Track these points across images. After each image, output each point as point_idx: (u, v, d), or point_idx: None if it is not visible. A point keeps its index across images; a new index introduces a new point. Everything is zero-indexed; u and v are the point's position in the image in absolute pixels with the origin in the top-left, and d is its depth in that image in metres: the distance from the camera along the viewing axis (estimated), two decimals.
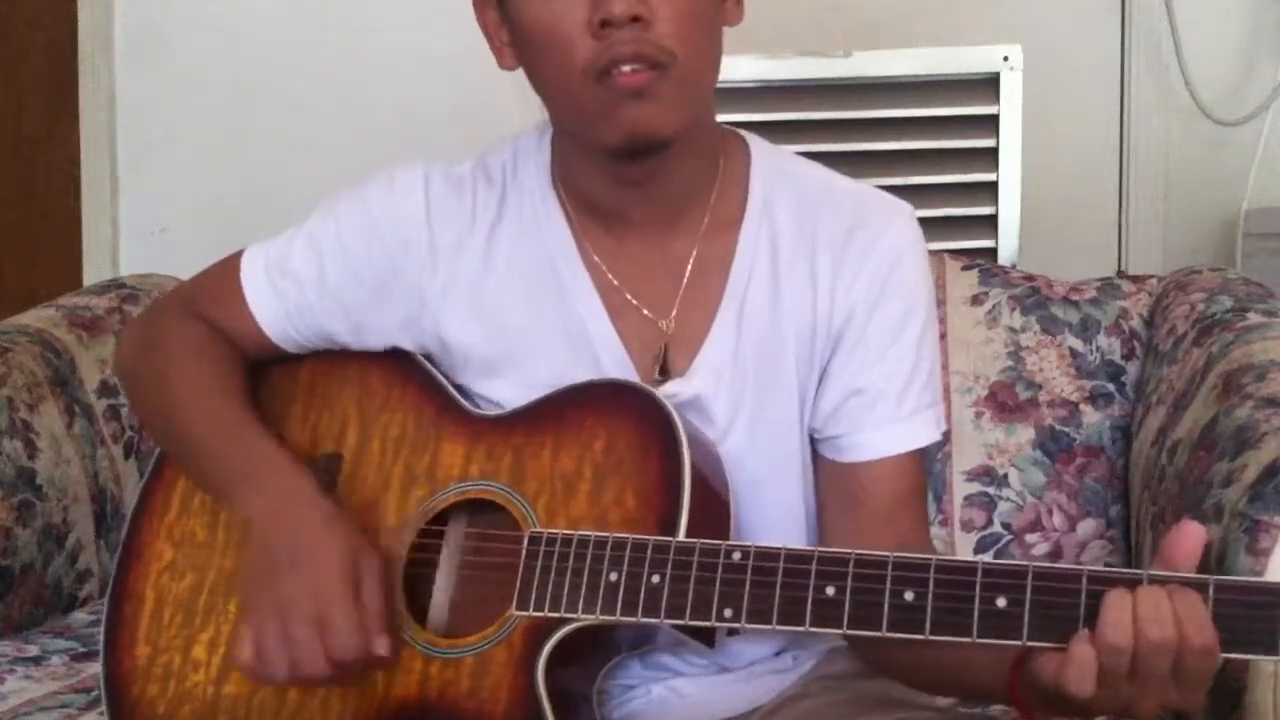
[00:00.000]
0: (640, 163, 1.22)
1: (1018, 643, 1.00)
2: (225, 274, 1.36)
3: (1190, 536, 1.00)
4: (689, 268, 1.28)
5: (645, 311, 1.28)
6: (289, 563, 1.17)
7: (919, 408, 1.27)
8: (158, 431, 1.38)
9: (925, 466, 1.31)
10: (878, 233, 1.27)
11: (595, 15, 1.15)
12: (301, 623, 1.14)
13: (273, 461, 1.25)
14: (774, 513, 1.28)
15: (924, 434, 1.28)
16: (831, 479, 1.29)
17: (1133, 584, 0.99)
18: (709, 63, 1.22)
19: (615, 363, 1.27)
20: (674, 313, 1.28)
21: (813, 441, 1.30)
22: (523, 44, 1.22)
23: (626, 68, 1.15)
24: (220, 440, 1.27)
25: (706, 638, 1.18)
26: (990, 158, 2.17)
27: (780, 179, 1.31)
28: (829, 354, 1.27)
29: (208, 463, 1.28)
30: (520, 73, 1.26)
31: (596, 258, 1.28)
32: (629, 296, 1.28)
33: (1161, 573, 0.99)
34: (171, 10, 2.62)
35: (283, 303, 1.33)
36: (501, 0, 1.23)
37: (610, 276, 1.28)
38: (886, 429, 1.26)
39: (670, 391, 1.23)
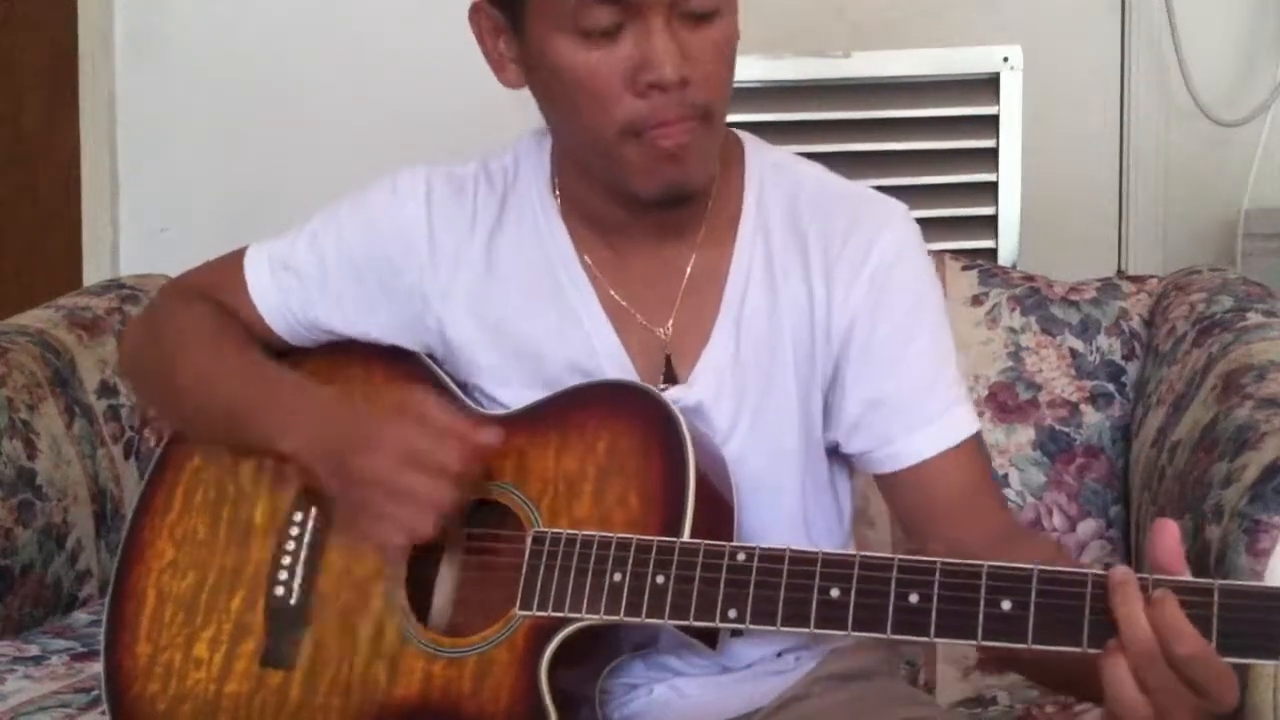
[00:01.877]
0: (672, 208, 1.22)
1: (1022, 645, 1.00)
2: (229, 268, 1.37)
3: (1166, 534, 0.99)
4: (686, 276, 1.28)
5: (643, 321, 1.28)
6: (359, 449, 1.16)
7: (951, 402, 1.26)
8: (173, 408, 1.37)
9: (981, 454, 1.28)
10: (874, 234, 1.27)
11: (642, 76, 1.13)
12: (405, 474, 1.13)
13: (298, 387, 1.26)
14: (774, 516, 1.28)
15: (962, 426, 1.26)
16: (893, 492, 1.29)
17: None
18: (729, 99, 1.22)
19: (619, 371, 1.27)
20: (671, 321, 1.28)
21: (854, 458, 1.30)
22: (546, 79, 1.19)
23: (668, 128, 1.15)
24: (242, 387, 1.27)
25: (709, 639, 1.18)
26: (990, 158, 2.17)
27: (774, 181, 1.30)
28: (835, 358, 1.27)
29: (242, 415, 1.27)
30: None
31: (595, 266, 1.29)
32: (626, 305, 1.28)
33: (1167, 578, 0.98)
34: (171, 10, 2.61)
35: (285, 297, 1.34)
36: (512, 19, 1.20)
37: (608, 285, 1.28)
38: (921, 431, 1.25)
39: (672, 398, 1.23)
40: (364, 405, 1.22)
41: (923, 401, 1.25)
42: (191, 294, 1.38)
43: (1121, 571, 0.99)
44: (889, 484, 1.28)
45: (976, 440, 1.27)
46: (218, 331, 1.33)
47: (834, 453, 1.32)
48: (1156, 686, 0.96)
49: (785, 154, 1.35)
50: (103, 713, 1.30)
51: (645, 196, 1.19)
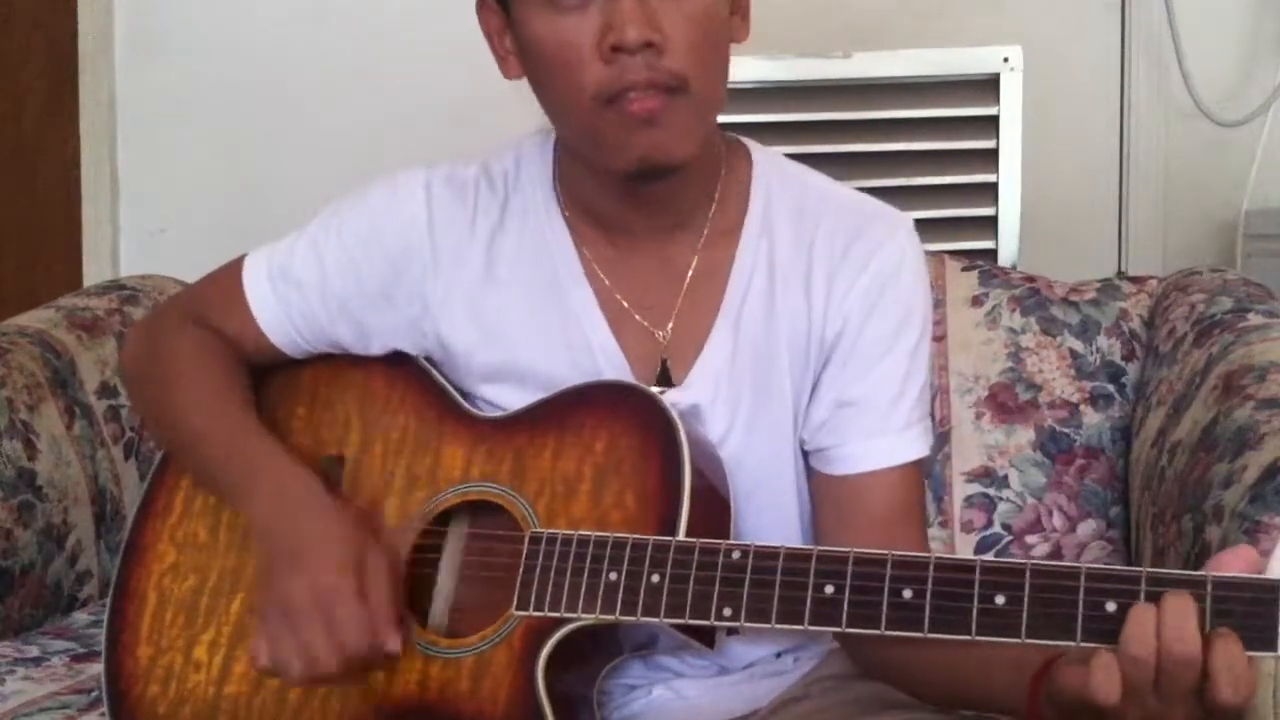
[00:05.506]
0: (652, 185, 1.22)
1: (1016, 640, 1.00)
2: (228, 281, 1.36)
3: (1243, 562, 0.98)
4: (688, 278, 1.28)
5: (643, 322, 1.28)
6: (293, 563, 1.17)
7: (910, 422, 1.26)
8: (162, 436, 1.38)
9: (920, 484, 1.29)
10: (875, 246, 1.26)
11: (606, 39, 1.13)
12: (310, 622, 1.14)
13: (275, 463, 1.25)
14: (769, 518, 1.28)
15: (913, 448, 1.26)
16: (823, 493, 1.28)
17: (1136, 592, 0.98)
18: (719, 84, 1.21)
19: (616, 373, 1.27)
20: (671, 323, 1.28)
21: (806, 455, 1.29)
22: (529, 59, 1.20)
23: (637, 94, 1.14)
24: (223, 444, 1.27)
25: (707, 638, 1.18)
26: (990, 159, 2.17)
27: (780, 188, 1.30)
28: (824, 362, 1.27)
29: (211, 467, 1.28)
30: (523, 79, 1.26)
31: (597, 268, 1.28)
32: (627, 306, 1.28)
33: (1160, 570, 0.98)
34: (171, 10, 2.62)
35: (287, 309, 1.33)
36: (506, 9, 1.21)
37: (610, 286, 1.28)
38: (874, 441, 1.25)
39: (669, 401, 1.23)
40: (320, 503, 1.21)
41: (886, 413, 1.25)
42: (191, 316, 1.37)
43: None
44: (825, 484, 1.28)
45: (919, 466, 1.28)
46: (210, 367, 1.32)
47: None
48: (1168, 690, 0.95)
49: (791, 161, 1.35)
50: (102, 714, 1.30)
51: (621, 168, 1.19)
